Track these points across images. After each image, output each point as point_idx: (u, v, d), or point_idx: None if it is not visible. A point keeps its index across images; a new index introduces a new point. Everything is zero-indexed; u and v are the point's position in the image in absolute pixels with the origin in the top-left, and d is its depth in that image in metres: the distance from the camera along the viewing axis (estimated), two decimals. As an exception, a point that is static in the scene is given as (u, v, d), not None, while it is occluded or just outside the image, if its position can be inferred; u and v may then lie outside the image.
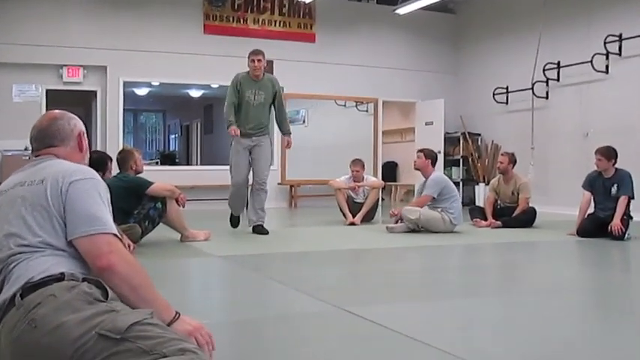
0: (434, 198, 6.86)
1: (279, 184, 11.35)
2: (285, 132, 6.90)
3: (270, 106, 6.75)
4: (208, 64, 10.92)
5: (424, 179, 7.06)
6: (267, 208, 10.60)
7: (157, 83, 11.99)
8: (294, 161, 11.32)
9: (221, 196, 10.91)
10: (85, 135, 2.19)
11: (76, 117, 2.19)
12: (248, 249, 5.60)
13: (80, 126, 2.17)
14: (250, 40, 11.17)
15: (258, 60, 6.49)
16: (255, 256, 5.21)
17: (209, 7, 10.98)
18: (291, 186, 11.38)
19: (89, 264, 1.86)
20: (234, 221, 6.96)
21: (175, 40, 10.75)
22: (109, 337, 1.64)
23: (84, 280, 1.82)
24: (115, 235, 1.89)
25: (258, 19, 11.32)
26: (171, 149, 19.98)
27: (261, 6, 11.35)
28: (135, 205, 5.50)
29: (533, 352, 2.53)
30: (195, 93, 14.93)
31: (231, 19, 11.13)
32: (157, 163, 14.87)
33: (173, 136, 20.40)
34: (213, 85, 12.41)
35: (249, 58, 6.55)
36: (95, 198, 1.91)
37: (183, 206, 5.79)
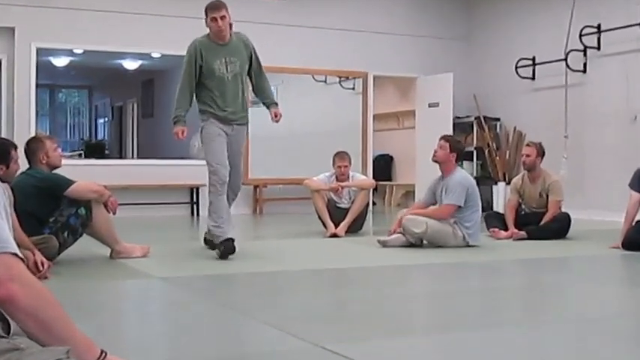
0: (459, 207, 6.80)
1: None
2: (270, 103, 6.65)
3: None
4: (147, 27, 10.88)
5: (440, 178, 6.96)
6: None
7: (81, 51, 11.89)
8: (260, 154, 11.30)
9: (164, 199, 10.92)
10: None
11: None
12: (198, 268, 5.57)
13: None
14: (201, -3, 11.15)
15: (222, 17, 6.07)
16: (208, 277, 5.17)
17: (148, -47, 10.92)
18: (256, 187, 11.37)
19: None
20: (228, 248, 5.86)
21: (104, -4, 10.70)
22: (11, 385, 1.61)
23: (-22, 311, 1.78)
24: (16, 255, 1.85)
25: (212, -30, 11.26)
26: (98, 137, 19.87)
27: (216, -49, 11.29)
28: (51, 211, 5.45)
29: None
30: (131, 64, 14.83)
31: (177, -31, 11.08)
32: (79, 155, 14.78)
33: (102, 121, 20.27)
34: (154, 55, 12.35)
35: (207, 15, 6.13)
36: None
37: (114, 213, 5.75)
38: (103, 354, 1.90)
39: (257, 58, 6.59)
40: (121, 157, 16.96)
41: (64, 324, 1.86)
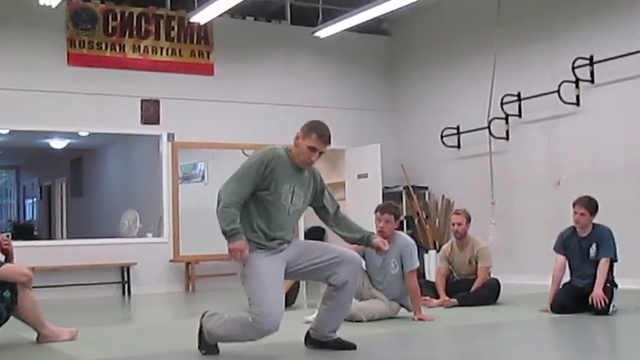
0: None
1: (170, 261, 11.20)
2: (368, 240, 5.35)
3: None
4: (75, 106, 10.82)
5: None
6: (156, 293, 10.43)
7: (7, 131, 11.74)
8: (191, 230, 11.19)
9: (95, 280, 10.70)
10: None
11: None
12: (130, 350, 5.45)
13: None
14: (129, 74, 11.21)
15: (321, 153, 4.94)
16: (136, 359, 5.06)
17: (74, 30, 10.93)
18: (188, 263, 11.23)
19: None
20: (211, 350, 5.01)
21: (31, 74, 10.63)
22: None
23: None
24: None
25: (139, 46, 11.32)
26: (27, 218, 19.54)
27: (143, 29, 11.36)
28: (-26, 296, 5.30)
29: None
30: (59, 143, 14.71)
31: (103, 46, 11.10)
32: (7, 237, 14.42)
33: (30, 201, 19.97)
34: (81, 134, 12.27)
35: (307, 136, 4.87)
36: None
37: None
38: None
39: (323, 189, 5.28)
40: (50, 238, 16.67)
41: None
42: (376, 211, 6.81)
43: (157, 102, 11.36)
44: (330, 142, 4.97)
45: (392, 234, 6.77)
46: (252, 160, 4.77)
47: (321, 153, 4.93)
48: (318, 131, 4.90)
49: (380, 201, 11.22)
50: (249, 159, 4.83)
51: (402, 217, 7.11)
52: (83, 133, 12.24)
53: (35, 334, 5.67)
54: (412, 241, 6.92)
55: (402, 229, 11.63)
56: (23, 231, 16.75)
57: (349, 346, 5.04)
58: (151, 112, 11.31)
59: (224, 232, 4.60)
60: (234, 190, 4.69)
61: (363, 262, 6.27)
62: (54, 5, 9.61)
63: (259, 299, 4.64)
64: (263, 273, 4.69)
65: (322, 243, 5.37)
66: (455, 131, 11.75)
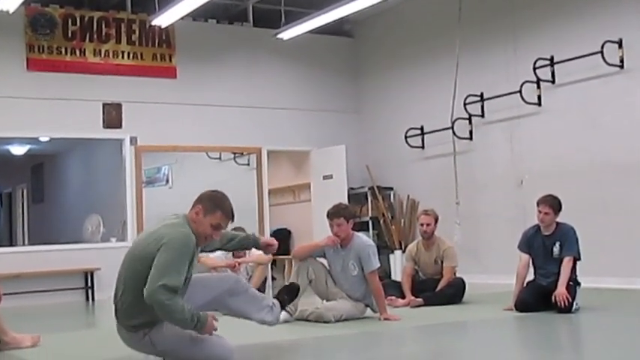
0: None
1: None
2: (255, 241, 6.03)
3: None
4: (35, 111, 10.71)
5: (337, 249, 6.85)
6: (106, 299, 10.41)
7: (-35, 138, 11.62)
8: (155, 234, 11.13)
9: (58, 286, 10.61)
10: None
11: None
12: (93, 356, 5.44)
13: None
14: (90, 78, 11.13)
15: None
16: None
17: (33, 35, 10.83)
18: (152, 267, 11.18)
19: None
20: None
21: (-12, 80, 10.51)
22: None
23: None
24: None
25: (100, 50, 11.25)
26: (-13, 225, 19.27)
27: (103, 33, 11.29)
28: None
29: None
30: (19, 150, 14.55)
31: (63, 50, 11.01)
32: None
33: (-10, 208, 19.71)
34: (42, 139, 12.16)
35: (211, 212, 4.58)
36: None
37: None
38: None
39: None
40: (11, 245, 16.45)
41: None
42: (327, 217, 6.83)
43: (119, 105, 11.29)
44: (234, 218, 4.65)
45: (348, 236, 6.80)
46: (182, 250, 4.29)
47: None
48: (223, 209, 4.56)
49: (345, 202, 11.29)
50: (172, 247, 4.25)
51: (356, 217, 7.09)
52: (44, 139, 12.14)
53: (-4, 342, 5.62)
54: (370, 242, 6.95)
55: (367, 230, 11.72)
56: (-17, 238, 16.54)
57: None
58: (113, 115, 11.24)
59: (187, 324, 4.27)
60: (174, 280, 4.17)
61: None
62: (11, 10, 9.52)
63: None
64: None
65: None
66: (419, 132, 11.82)
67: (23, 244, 15.97)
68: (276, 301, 5.25)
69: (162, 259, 4.18)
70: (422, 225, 8.06)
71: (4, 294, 5.79)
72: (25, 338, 5.70)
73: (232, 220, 4.67)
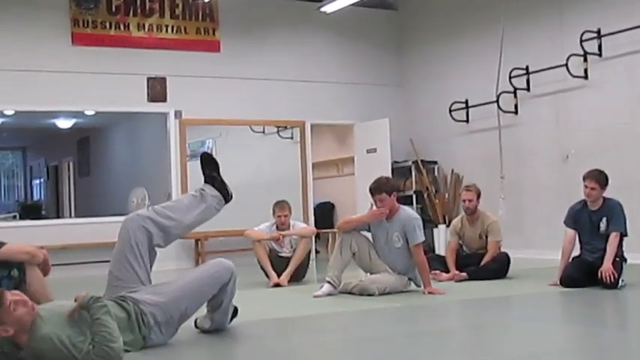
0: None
1: (180, 237, 11.23)
2: None
3: None
4: (80, 85, 10.82)
5: (382, 221, 6.90)
6: (167, 270, 10.51)
7: (12, 112, 11.76)
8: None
9: (103, 257, 10.72)
10: None
11: None
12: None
13: None
14: (134, 52, 11.19)
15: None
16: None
17: (78, 10, 10.92)
18: (197, 240, 11.29)
19: None
20: None
21: (35, 54, 10.62)
22: None
23: None
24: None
25: (144, 25, 11.32)
26: (34, 198, 19.60)
27: (147, 7, 11.35)
28: (-18, 275, 5.35)
29: None
30: (65, 123, 14.74)
31: (107, 25, 11.09)
32: (14, 217, 14.54)
33: (37, 181, 20.04)
34: (88, 113, 12.28)
35: None
36: None
37: (46, 274, 5.65)
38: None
39: None
40: (58, 217, 16.71)
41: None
42: (369, 192, 6.85)
43: (163, 79, 11.37)
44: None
45: (393, 209, 6.81)
46: None
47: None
48: None
49: (389, 176, 11.30)
50: None
51: (398, 190, 7.08)
52: (89, 113, 12.26)
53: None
54: (416, 215, 6.97)
55: (411, 204, 11.70)
56: (31, 211, 16.79)
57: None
58: (157, 89, 11.32)
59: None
60: None
61: None
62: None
63: None
64: None
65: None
66: (463, 105, 11.74)
67: (70, 217, 16.21)
68: (204, 185, 5.01)
69: None
70: (464, 201, 8.04)
71: (52, 265, 5.87)
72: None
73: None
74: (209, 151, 4.96)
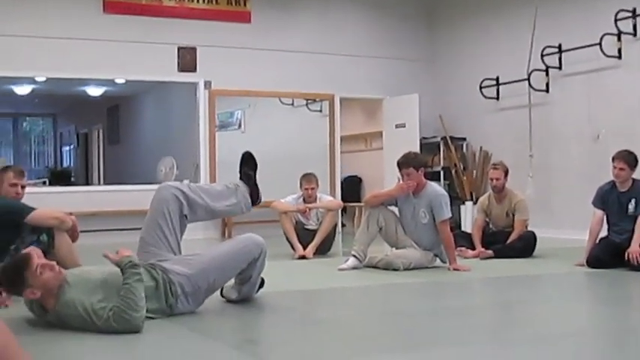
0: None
1: (201, 221, 11.28)
2: None
3: None
4: (111, 53, 10.86)
5: (408, 196, 6.87)
6: (194, 239, 10.61)
7: (44, 79, 11.86)
8: (227, 178, 11.21)
9: (130, 225, 10.81)
10: None
11: None
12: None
13: None
14: (165, 21, 11.20)
15: None
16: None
17: (111, -22, 10.94)
18: (224, 210, 11.34)
19: None
20: None
21: (67, 22, 10.67)
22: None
23: None
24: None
25: (175, -6, 11.32)
26: (64, 165, 19.77)
27: (179, -24, 11.35)
28: (11, 238, 5.41)
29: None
30: (95, 91, 14.83)
31: (139, -7, 11.10)
32: (44, 183, 14.68)
33: (67, 148, 20.18)
34: (118, 81, 12.33)
35: None
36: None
37: (74, 240, 5.71)
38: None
39: None
40: (87, 184, 16.86)
41: (14, 351, 1.87)
42: (397, 166, 6.86)
43: (193, 49, 11.38)
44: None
45: (421, 184, 6.81)
46: None
47: None
48: None
49: (418, 151, 11.27)
50: None
51: (426, 166, 7.06)
52: (120, 81, 12.31)
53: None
54: (443, 192, 6.97)
55: (438, 180, 11.67)
56: (60, 177, 16.97)
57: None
58: (187, 59, 11.34)
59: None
60: None
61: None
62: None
63: None
64: None
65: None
66: (494, 82, 11.65)
67: (98, 184, 16.35)
68: (239, 182, 5.04)
69: None
70: (491, 180, 8.01)
71: (80, 231, 5.94)
72: (100, 275, 5.84)
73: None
74: (250, 151, 4.90)
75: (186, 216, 4.72)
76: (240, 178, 5.01)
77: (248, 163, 5.07)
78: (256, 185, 5.01)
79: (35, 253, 4.18)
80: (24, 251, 4.32)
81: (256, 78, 11.67)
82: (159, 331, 4.03)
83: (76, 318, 3.95)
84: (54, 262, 4.10)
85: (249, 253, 4.64)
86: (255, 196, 4.98)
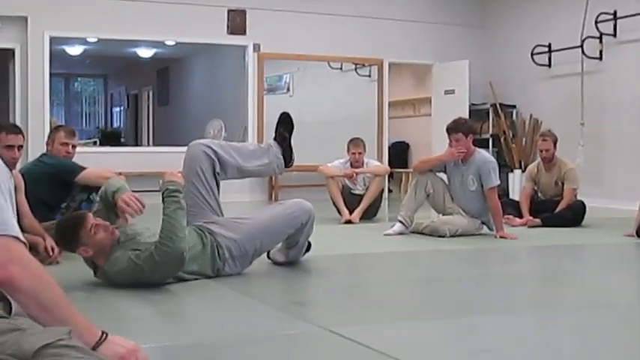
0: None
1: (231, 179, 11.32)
2: None
3: None
4: (161, 15, 10.88)
5: (456, 163, 6.79)
6: (241, 202, 10.67)
7: (95, 39, 11.93)
8: (275, 141, 11.30)
9: (179, 187, 10.90)
10: None
11: None
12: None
13: None
14: (216, -18, 11.17)
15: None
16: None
17: (161, -61, 10.93)
18: (271, 173, 11.38)
19: None
20: None
21: (118, -17, 10.71)
22: (12, 363, 1.63)
23: (-21, 289, 1.80)
24: (17, 238, 1.88)
25: (227, -45, 11.28)
26: (114, 125, 19.95)
27: (231, -62, 11.30)
28: (62, 197, 5.49)
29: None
30: (146, 52, 14.88)
31: (191, -45, 11.08)
32: (94, 143, 14.84)
33: (117, 109, 20.35)
34: (168, 43, 12.36)
35: None
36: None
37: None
38: (104, 335, 1.93)
39: None
40: (136, 145, 17.02)
41: (63, 306, 1.90)
42: (446, 132, 6.79)
43: (243, 12, 11.35)
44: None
45: (469, 151, 6.75)
46: None
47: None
48: None
49: (466, 117, 11.17)
50: None
51: (475, 132, 6.99)
52: (170, 43, 12.35)
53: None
54: (492, 159, 6.91)
55: (487, 147, 11.57)
56: (111, 138, 17.14)
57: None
58: (237, 22, 11.33)
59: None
60: None
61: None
62: None
63: None
64: None
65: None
66: (546, 49, 11.46)
67: (148, 145, 16.49)
68: (273, 142, 4.95)
69: None
70: (541, 151, 7.92)
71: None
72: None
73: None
74: (288, 112, 4.76)
75: (218, 173, 4.68)
76: (275, 139, 4.93)
77: (284, 124, 4.96)
78: (290, 147, 4.91)
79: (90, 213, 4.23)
80: (79, 211, 4.38)
81: (305, 42, 11.64)
82: (204, 292, 4.06)
83: (123, 272, 3.99)
84: (108, 223, 4.14)
85: (297, 218, 4.62)
86: (288, 158, 4.89)
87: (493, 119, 12.09)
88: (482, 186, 6.68)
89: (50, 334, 1.71)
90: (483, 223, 6.82)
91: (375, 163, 8.77)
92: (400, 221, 6.76)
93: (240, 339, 3.16)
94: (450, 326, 3.42)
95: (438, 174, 7.00)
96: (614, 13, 10.30)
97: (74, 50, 14.12)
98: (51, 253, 4.75)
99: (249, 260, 4.53)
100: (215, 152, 4.67)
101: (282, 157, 4.86)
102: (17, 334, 1.68)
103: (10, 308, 1.79)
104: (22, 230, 4.70)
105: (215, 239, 4.36)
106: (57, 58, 11.20)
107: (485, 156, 6.87)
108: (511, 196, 10.64)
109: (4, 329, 1.69)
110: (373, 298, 4.17)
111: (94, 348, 1.87)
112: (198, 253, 4.26)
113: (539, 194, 8.03)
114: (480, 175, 6.69)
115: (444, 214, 6.87)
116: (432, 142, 12.10)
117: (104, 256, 4.05)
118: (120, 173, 5.81)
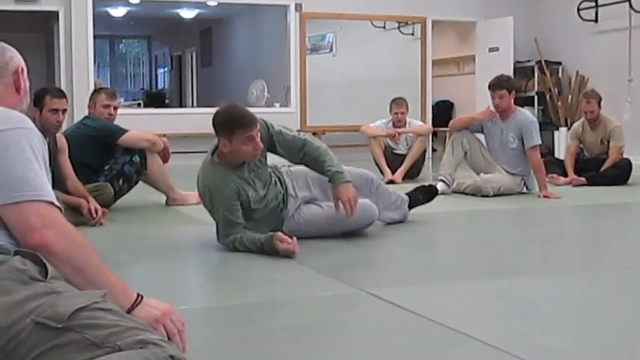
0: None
1: (298, 131, 11.31)
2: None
3: None
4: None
5: (495, 121, 6.76)
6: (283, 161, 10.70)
7: (138, 1, 11.97)
8: (318, 102, 11.31)
9: (222, 148, 10.95)
10: (25, 73, 2.20)
11: (12, 49, 2.20)
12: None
13: (18, 60, 2.19)
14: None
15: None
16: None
17: None
18: (314, 133, 11.35)
19: (19, 241, 1.89)
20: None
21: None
22: (48, 325, 1.65)
23: (16, 253, 1.84)
24: (52, 202, 1.90)
25: None
26: (158, 87, 20.06)
27: None
28: (105, 160, 5.55)
29: (613, 347, 2.51)
30: (188, 13, 14.89)
31: None
32: (139, 104, 14.94)
33: (161, 70, 20.44)
34: (210, 3, 12.36)
35: (231, 134, 4.39)
36: (24, 153, 1.91)
37: (165, 161, 5.83)
38: (139, 298, 1.95)
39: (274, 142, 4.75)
40: (180, 106, 17.12)
41: (98, 269, 1.92)
42: (489, 88, 6.72)
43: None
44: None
45: (510, 108, 6.70)
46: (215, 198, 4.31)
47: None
48: (238, 125, 4.28)
49: (511, 76, 11.04)
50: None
51: (518, 90, 6.92)
52: (212, 3, 12.34)
53: (164, 198, 5.93)
54: (533, 118, 6.85)
55: (532, 105, 11.46)
56: (155, 99, 17.22)
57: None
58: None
59: (261, 250, 4.02)
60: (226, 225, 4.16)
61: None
62: None
63: None
64: None
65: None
66: (593, 4, 11.24)
67: (192, 106, 16.57)
68: (405, 197, 5.04)
69: None
70: (585, 113, 7.80)
71: (172, 153, 6.05)
72: (190, 196, 5.90)
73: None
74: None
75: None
76: (409, 198, 5.10)
77: (428, 198, 5.28)
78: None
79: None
80: None
81: (348, 1, 11.54)
82: (246, 256, 4.07)
83: None
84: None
85: (358, 223, 4.50)
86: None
87: (538, 76, 11.94)
88: (523, 144, 6.63)
89: (85, 297, 1.73)
90: (524, 181, 6.77)
91: (418, 122, 8.72)
92: (442, 180, 6.73)
93: (280, 300, 3.19)
94: (487, 288, 3.40)
95: (475, 134, 6.96)
96: (664, -34, 10.08)
97: (117, 12, 14.19)
98: (95, 215, 4.82)
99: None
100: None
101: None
102: (53, 297, 1.71)
103: (47, 272, 1.81)
104: (66, 192, 4.81)
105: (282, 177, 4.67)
106: (101, 20, 11.27)
107: (526, 114, 6.81)
108: (557, 155, 10.53)
109: (39, 292, 1.72)
110: (412, 260, 4.16)
111: (129, 311, 1.89)
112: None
113: (585, 152, 7.94)
114: (521, 134, 6.63)
115: (484, 173, 6.83)
116: (476, 100, 11.97)
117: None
118: (164, 135, 5.88)
